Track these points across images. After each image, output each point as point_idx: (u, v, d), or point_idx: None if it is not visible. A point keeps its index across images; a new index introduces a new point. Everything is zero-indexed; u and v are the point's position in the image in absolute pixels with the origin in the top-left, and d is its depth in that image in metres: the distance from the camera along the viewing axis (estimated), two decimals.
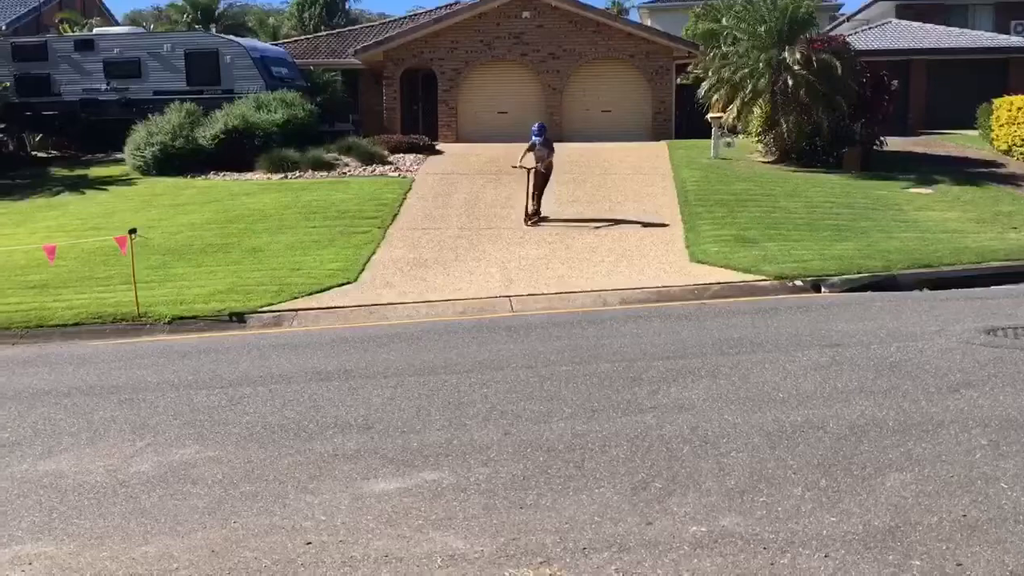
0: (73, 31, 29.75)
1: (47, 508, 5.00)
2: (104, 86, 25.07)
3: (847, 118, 19.61)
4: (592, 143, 24.00)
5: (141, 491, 5.21)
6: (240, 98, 22.82)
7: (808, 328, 8.63)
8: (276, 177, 20.16)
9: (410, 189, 18.18)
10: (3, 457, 5.95)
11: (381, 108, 27.59)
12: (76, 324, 10.90)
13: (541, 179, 15.45)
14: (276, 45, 31.08)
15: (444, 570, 4.04)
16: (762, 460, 5.19)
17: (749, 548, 4.14)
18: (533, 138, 15.64)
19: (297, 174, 20.26)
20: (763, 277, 11.34)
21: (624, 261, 12.65)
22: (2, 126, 24.44)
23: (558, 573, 3.97)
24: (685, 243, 13.48)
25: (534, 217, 15.19)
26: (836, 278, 11.15)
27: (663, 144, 23.65)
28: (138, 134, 21.47)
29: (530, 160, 15.47)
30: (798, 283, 11.10)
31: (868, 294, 10.56)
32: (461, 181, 19.02)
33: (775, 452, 5.31)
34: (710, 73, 21.06)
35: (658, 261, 12.58)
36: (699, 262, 12.37)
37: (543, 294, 11.20)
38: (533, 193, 15.34)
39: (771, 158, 20.84)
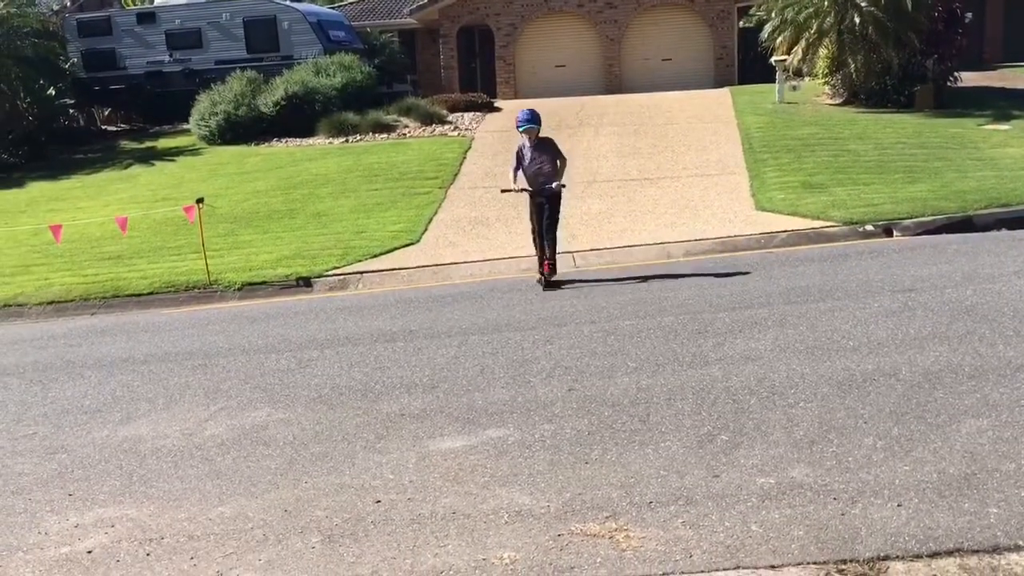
0: (135, 4, 30.20)
1: (127, 472, 5.17)
2: (167, 58, 25.46)
3: (918, 54, 18.86)
4: (652, 93, 23.60)
5: (216, 454, 5.35)
6: (299, 63, 22.96)
7: (879, 274, 8.40)
8: (337, 141, 20.29)
9: (470, 148, 18.13)
10: (85, 424, 6.16)
11: (439, 67, 27.50)
12: (150, 293, 11.19)
13: (543, 210, 9.53)
14: (332, 8, 31.11)
15: (510, 526, 4.07)
16: (832, 410, 5.10)
17: (819, 499, 4.08)
18: (522, 141, 9.82)
19: (357, 137, 20.36)
20: (832, 223, 11.05)
21: (687, 212, 12.46)
22: (72, 102, 25.02)
23: (624, 527, 3.97)
24: (750, 191, 13.21)
25: (549, 271, 9.43)
26: (908, 221, 10.82)
27: (726, 90, 23.11)
28: (202, 104, 21.79)
29: (524, 179, 9.76)
30: (868, 228, 10.80)
31: (942, 236, 10.23)
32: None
33: (845, 401, 5.20)
34: (773, 15, 20.44)
35: (722, 211, 12.36)
36: (765, 210, 12.11)
37: (606, 248, 11.11)
38: (538, 231, 9.58)
39: (838, 100, 20.22)
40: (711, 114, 19.72)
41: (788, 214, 11.71)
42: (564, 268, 10.56)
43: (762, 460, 4.54)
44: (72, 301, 11.14)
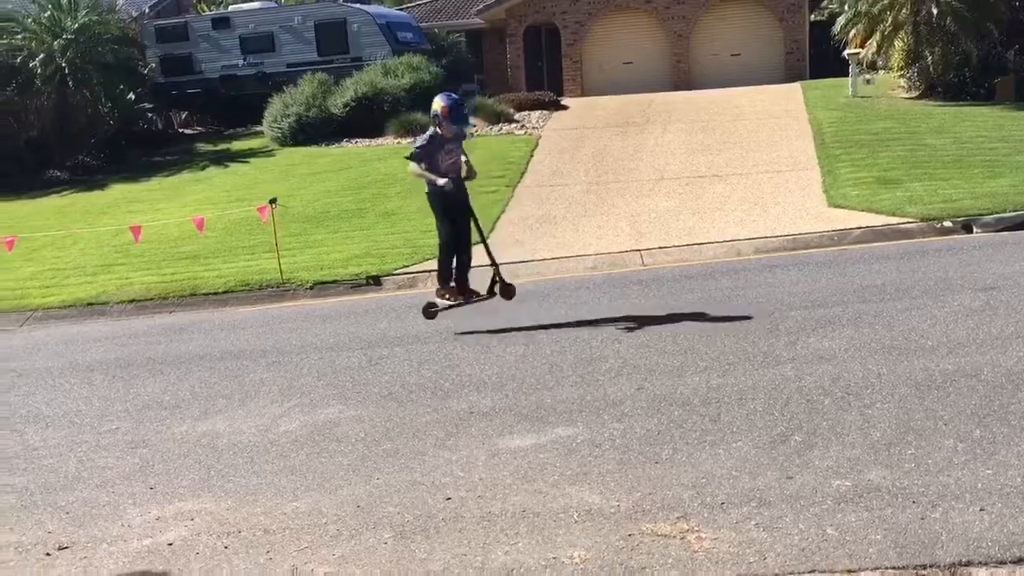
0: (210, 10, 30.92)
1: (205, 466, 5.31)
2: (241, 61, 26.02)
3: (998, 45, 18.28)
4: (721, 89, 23.29)
5: (290, 449, 5.45)
6: (368, 65, 23.25)
7: (959, 271, 8.16)
8: (405, 141, 20.47)
9: (536, 146, 18.13)
10: (165, 419, 6.34)
11: (505, 66, 27.57)
12: (225, 292, 11.44)
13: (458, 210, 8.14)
14: (400, 10, 31.42)
15: (580, 525, 4.07)
16: (910, 411, 4.97)
17: (897, 502, 3.98)
18: (436, 127, 7.87)
19: None
20: (908, 219, 10.77)
21: (757, 209, 12.26)
22: (150, 106, 25.75)
23: (696, 528, 3.93)
24: (823, 187, 12.94)
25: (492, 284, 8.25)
26: (989, 217, 10.47)
27: (796, 85, 22.70)
28: (274, 106, 22.22)
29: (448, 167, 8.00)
30: (947, 224, 10.49)
31: None
32: (587, 135, 18.83)
33: (924, 403, 5.07)
34: (846, 7, 20.01)
35: (794, 207, 12.14)
36: (838, 207, 11.85)
37: (674, 246, 11.00)
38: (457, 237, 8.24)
39: (914, 93, 19.70)
40: (781, 109, 19.39)
41: (862, 210, 11.45)
42: (633, 266, 10.50)
43: (837, 462, 4.45)
44: (152, 299, 11.45)
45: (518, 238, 12.25)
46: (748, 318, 7.24)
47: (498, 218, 13.39)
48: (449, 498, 4.49)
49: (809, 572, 3.53)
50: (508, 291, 8.28)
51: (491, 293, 8.25)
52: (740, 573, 3.56)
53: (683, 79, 26.09)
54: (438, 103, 7.86)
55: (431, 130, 7.98)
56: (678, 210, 12.67)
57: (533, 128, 20.15)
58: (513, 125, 20.69)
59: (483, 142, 19.33)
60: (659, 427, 5.13)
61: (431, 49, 25.73)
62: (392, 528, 4.24)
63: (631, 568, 3.66)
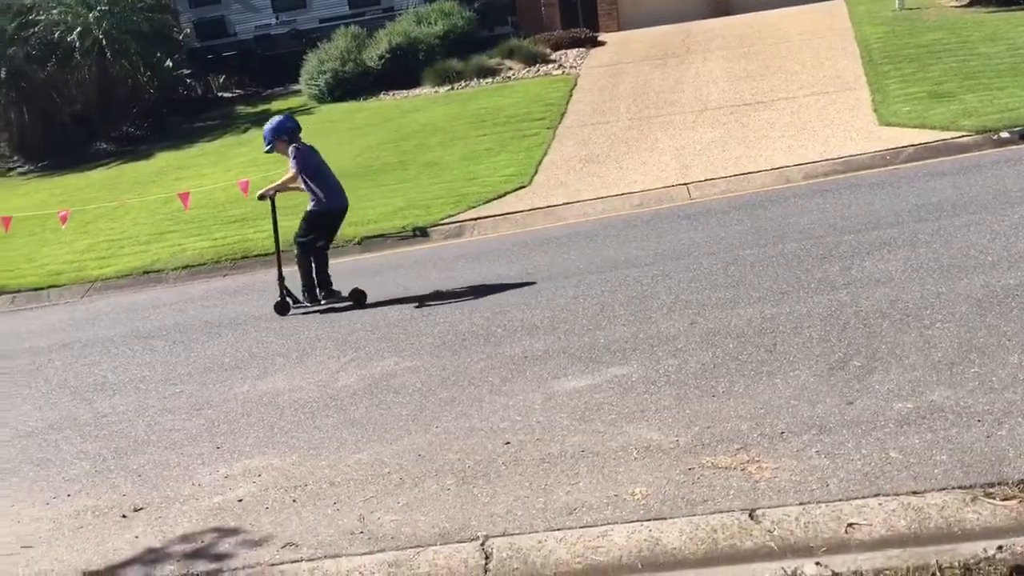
0: None
1: (268, 424, 5.42)
2: (274, 20, 25.95)
3: None
4: (761, 12, 22.63)
5: (349, 403, 5.53)
6: (400, 14, 23.04)
7: (1018, 183, 7.91)
8: (443, 89, 20.35)
9: (575, 85, 17.88)
10: (226, 380, 6.47)
11: (539, 5, 27.09)
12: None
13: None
14: None
15: (640, 462, 4.08)
16: (971, 329, 4.87)
17: (962, 422, 3.92)
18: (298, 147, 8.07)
19: (462, 84, 20.36)
20: (963, 133, 10.43)
21: (805, 133, 11.98)
22: (188, 72, 25.87)
23: (756, 459, 3.92)
24: (872, 106, 12.58)
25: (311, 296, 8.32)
26: None
27: (840, 1, 21.96)
28: (310, 63, 22.17)
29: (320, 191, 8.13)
30: (1004, 135, 10.15)
31: None
32: (626, 70, 18.50)
33: (986, 319, 4.96)
34: None
35: (843, 129, 11.83)
36: (889, 125, 11.52)
37: (721, 178, 10.81)
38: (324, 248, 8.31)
39: (964, 1, 18.95)
40: (825, 28, 18.81)
41: (914, 127, 11.12)
42: (680, 201, 10.36)
43: (898, 385, 4.38)
44: (204, 264, 11.63)
45: (562, 180, 12.15)
46: (800, 245, 7.12)
47: (540, 161, 13.28)
48: (508, 442, 4.53)
49: (874, 496, 3.49)
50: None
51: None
52: (803, 500, 3.54)
53: (722, 5, 25.37)
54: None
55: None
56: (723, 140, 12.44)
57: (571, 67, 19.84)
58: (550, 65, 20.39)
59: (520, 85, 19.12)
60: (714, 361, 5.10)
61: None
62: (454, 474, 4.29)
63: (693, 501, 3.67)
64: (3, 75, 22.18)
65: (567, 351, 5.73)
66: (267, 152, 8.34)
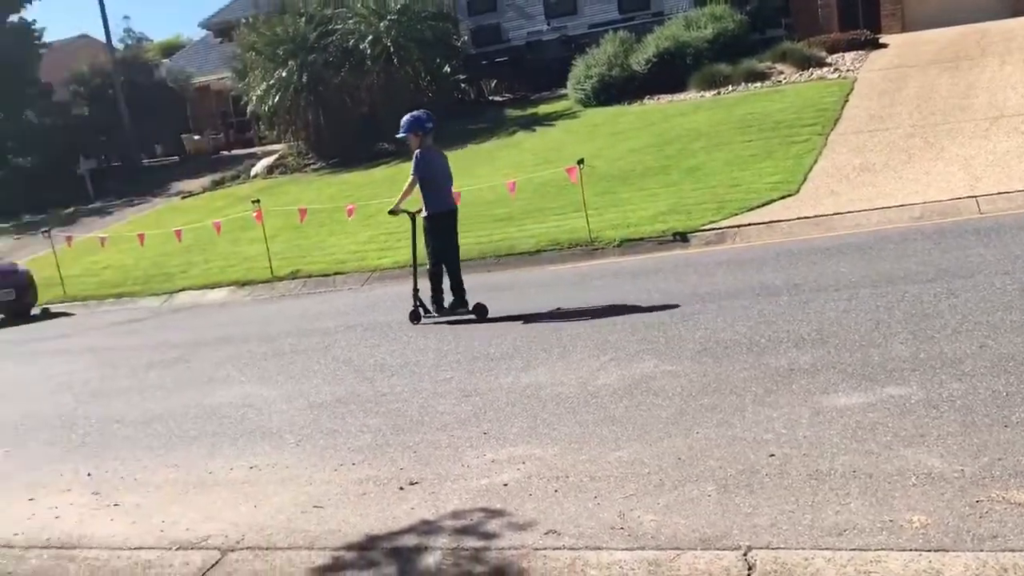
0: None
1: (531, 415, 5.62)
2: (545, 27, 26.78)
3: None
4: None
5: (609, 401, 5.62)
6: (669, 18, 23.02)
7: None
8: (709, 94, 20.10)
9: (852, 90, 17.04)
10: (492, 370, 6.78)
11: (815, 6, 26.03)
12: (537, 251, 11.97)
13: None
14: None
15: (919, 488, 3.83)
16: None
17: None
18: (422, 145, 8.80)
19: (729, 88, 20.01)
20: None
21: None
22: (463, 77, 27.27)
23: None
24: None
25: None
26: None
27: None
28: (577, 69, 22.69)
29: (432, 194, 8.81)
30: None
31: None
32: (910, 74, 17.36)
33: None
34: None
35: None
36: None
37: (1017, 191, 9.90)
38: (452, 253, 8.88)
39: None
40: None
41: None
42: (968, 214, 9.61)
43: None
44: (470, 260, 12.22)
45: (833, 188, 11.64)
46: None
47: (810, 168, 12.80)
48: (773, 455, 4.42)
49: None
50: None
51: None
52: None
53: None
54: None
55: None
56: (1021, 150, 11.37)
57: (847, 71, 18.94)
58: (824, 69, 19.58)
59: (791, 90, 18.48)
60: (1007, 388, 4.69)
61: None
62: (715, 481, 4.24)
63: (980, 536, 3.40)
64: (304, 80, 24.46)
65: (837, 366, 5.49)
66: (398, 138, 9.15)
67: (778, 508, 3.89)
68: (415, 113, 8.86)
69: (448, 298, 8.81)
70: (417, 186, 8.68)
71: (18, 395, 8.61)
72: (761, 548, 3.58)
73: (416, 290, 8.97)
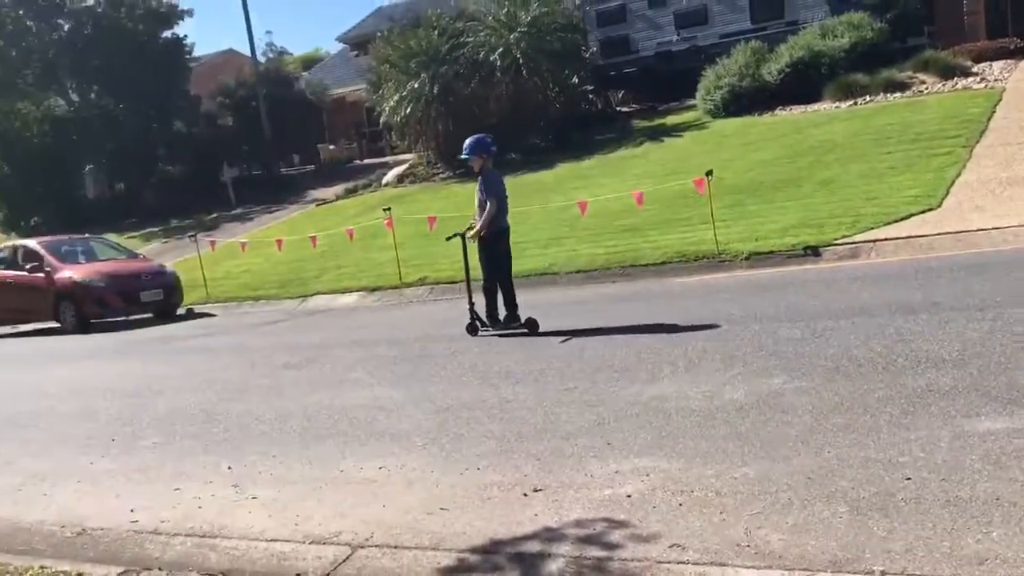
0: None
1: (656, 428, 5.59)
2: (675, 37, 26.57)
3: None
4: None
5: (736, 417, 5.54)
6: (804, 27, 22.47)
7: None
8: (844, 104, 19.53)
9: (999, 100, 16.24)
10: (616, 381, 6.79)
11: (960, 14, 24.90)
12: (663, 263, 11.89)
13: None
14: None
15: None
16: None
17: None
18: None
19: (866, 99, 19.38)
20: None
21: None
22: (591, 88, 27.34)
23: None
24: None
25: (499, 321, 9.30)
26: None
27: None
28: (707, 79, 22.41)
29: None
30: None
31: None
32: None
33: None
34: None
35: None
36: None
37: None
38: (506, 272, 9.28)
39: None
40: None
41: None
42: None
43: None
44: (596, 270, 12.27)
45: (978, 203, 11.12)
46: None
47: (953, 181, 12.28)
48: (909, 478, 4.27)
49: None
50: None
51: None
52: None
53: None
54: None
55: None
56: None
57: (995, 80, 18.06)
58: (970, 79, 18.73)
59: (934, 100, 17.76)
60: None
61: (875, 3, 24.08)
62: (847, 503, 4.13)
63: None
64: (435, 91, 25.03)
65: (980, 389, 5.26)
66: (462, 159, 9.32)
67: (914, 533, 3.76)
68: (480, 136, 9.23)
69: (502, 312, 9.19)
70: (477, 206, 9.09)
71: (166, 390, 9.14)
72: (896, 574, 3.47)
73: (472, 303, 9.32)
